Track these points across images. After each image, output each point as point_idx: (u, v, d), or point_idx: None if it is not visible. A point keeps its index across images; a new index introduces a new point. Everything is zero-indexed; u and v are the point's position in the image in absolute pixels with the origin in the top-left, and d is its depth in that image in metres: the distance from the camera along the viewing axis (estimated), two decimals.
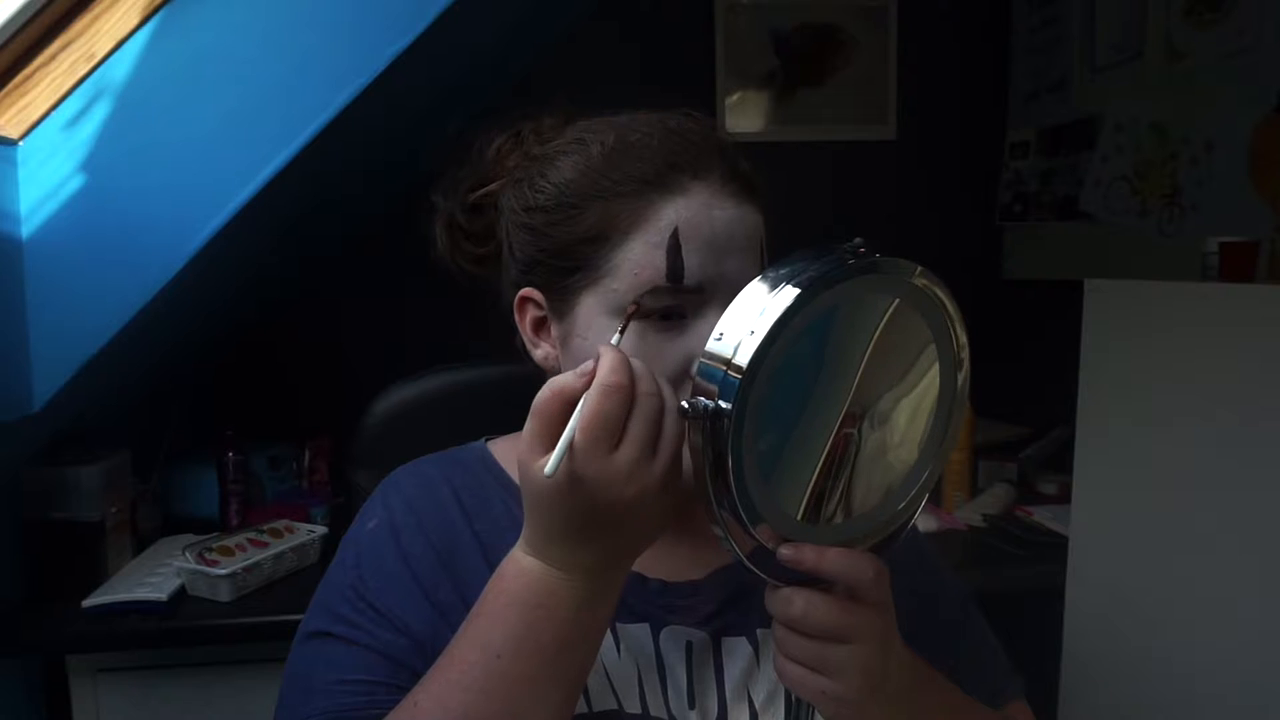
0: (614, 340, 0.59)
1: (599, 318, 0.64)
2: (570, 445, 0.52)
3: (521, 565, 0.57)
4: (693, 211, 0.62)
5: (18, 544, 1.37)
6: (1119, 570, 1.23)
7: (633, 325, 0.61)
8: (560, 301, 0.67)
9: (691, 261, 0.61)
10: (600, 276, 0.63)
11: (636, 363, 0.55)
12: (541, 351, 0.70)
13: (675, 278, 0.61)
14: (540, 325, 0.70)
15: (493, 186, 0.75)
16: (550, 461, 0.52)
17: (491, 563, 0.61)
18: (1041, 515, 1.62)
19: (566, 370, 0.66)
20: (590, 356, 0.56)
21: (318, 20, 1.16)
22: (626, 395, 0.53)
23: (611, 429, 0.53)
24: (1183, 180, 1.70)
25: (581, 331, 0.65)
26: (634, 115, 0.69)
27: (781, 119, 2.19)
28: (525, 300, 0.70)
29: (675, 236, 0.61)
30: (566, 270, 0.65)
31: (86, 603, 1.30)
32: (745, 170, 0.66)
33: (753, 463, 0.53)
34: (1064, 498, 1.54)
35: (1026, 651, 0.90)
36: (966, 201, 2.26)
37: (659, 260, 0.61)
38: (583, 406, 0.53)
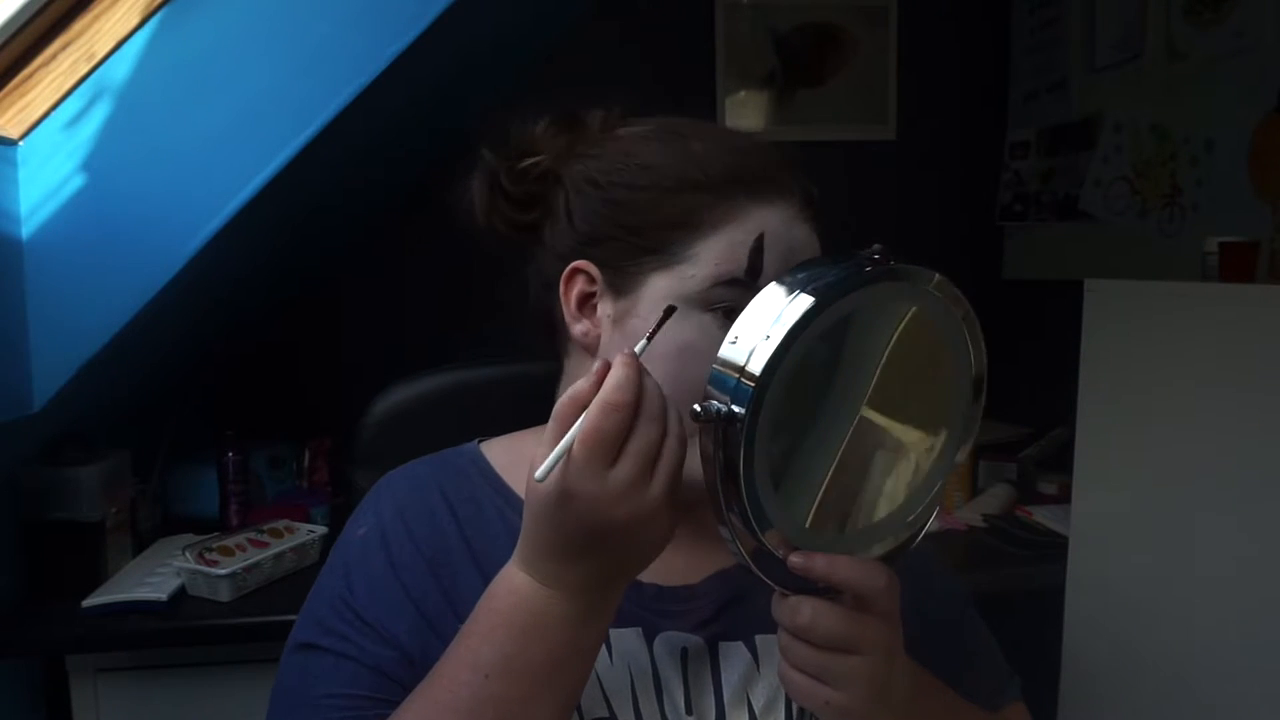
0: (639, 348, 0.56)
1: (667, 301, 0.62)
2: (567, 455, 0.52)
3: (513, 583, 0.57)
4: (778, 223, 0.64)
5: (18, 544, 1.37)
6: (1119, 570, 1.23)
7: (701, 317, 0.62)
8: (622, 279, 0.65)
9: (770, 267, 0.62)
10: (677, 262, 0.63)
11: (649, 380, 0.54)
12: (582, 327, 0.68)
13: (754, 275, 0.62)
14: (586, 300, 0.68)
15: (542, 158, 0.72)
16: (542, 466, 0.51)
17: (482, 568, 0.60)
18: (1041, 515, 1.62)
19: (610, 348, 0.65)
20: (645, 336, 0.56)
21: (318, 20, 1.16)
22: (628, 414, 0.52)
23: (609, 446, 0.52)
24: (1183, 180, 1.70)
25: (644, 312, 0.64)
26: (709, 124, 0.71)
27: (781, 119, 2.18)
28: (576, 272, 0.67)
29: (761, 239, 0.63)
30: (641, 249, 0.65)
31: (86, 603, 1.30)
32: (817, 198, 0.69)
33: (764, 469, 0.52)
34: (1064, 498, 1.54)
35: (1026, 651, 0.90)
36: (966, 201, 2.25)
37: (740, 256, 0.62)
38: (583, 420, 0.52)
